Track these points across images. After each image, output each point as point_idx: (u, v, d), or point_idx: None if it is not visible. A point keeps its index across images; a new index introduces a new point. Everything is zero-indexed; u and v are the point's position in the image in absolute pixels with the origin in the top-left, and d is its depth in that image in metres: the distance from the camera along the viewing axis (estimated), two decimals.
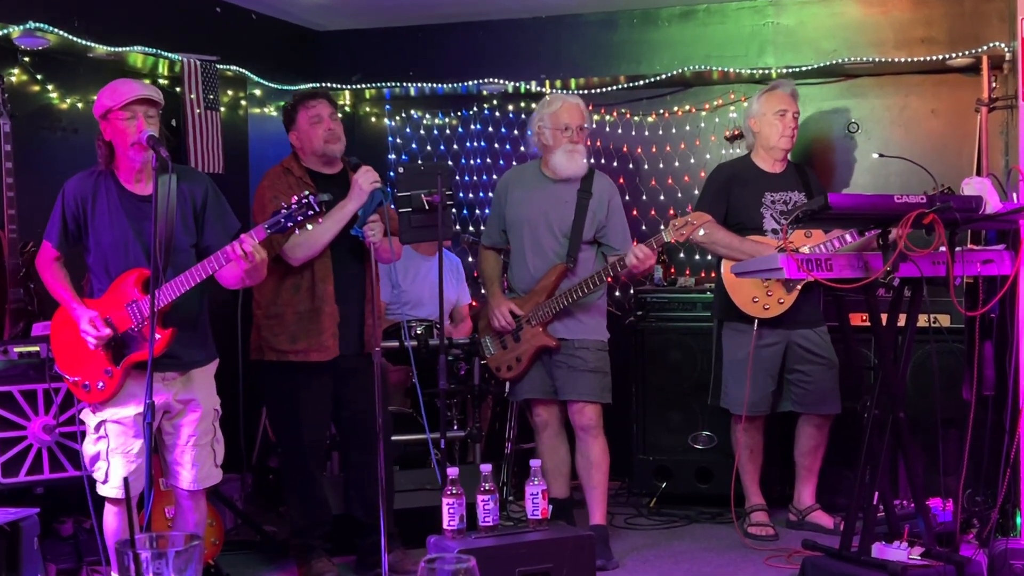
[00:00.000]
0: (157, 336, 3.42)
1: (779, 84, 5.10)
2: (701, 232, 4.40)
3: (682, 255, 6.06)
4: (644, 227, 6.01)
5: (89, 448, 3.70)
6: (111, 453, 3.64)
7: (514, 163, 6.18)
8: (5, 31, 4.48)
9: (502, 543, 3.58)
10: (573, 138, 4.63)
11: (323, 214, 3.63)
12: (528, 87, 6.03)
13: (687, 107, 6.07)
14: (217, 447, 3.81)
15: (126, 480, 3.20)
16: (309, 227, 3.64)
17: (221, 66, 5.40)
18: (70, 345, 3.69)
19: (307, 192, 3.58)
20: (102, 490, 3.68)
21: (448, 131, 6.50)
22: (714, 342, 5.11)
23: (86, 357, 3.65)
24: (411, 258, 5.52)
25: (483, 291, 4.96)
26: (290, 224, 3.56)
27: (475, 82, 6.14)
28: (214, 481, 3.82)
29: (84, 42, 4.76)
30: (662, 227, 4.44)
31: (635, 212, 6.08)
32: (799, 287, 4.81)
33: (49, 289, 3.79)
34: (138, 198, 3.67)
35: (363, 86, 6.29)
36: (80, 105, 4.96)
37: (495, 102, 6.38)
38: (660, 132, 6.12)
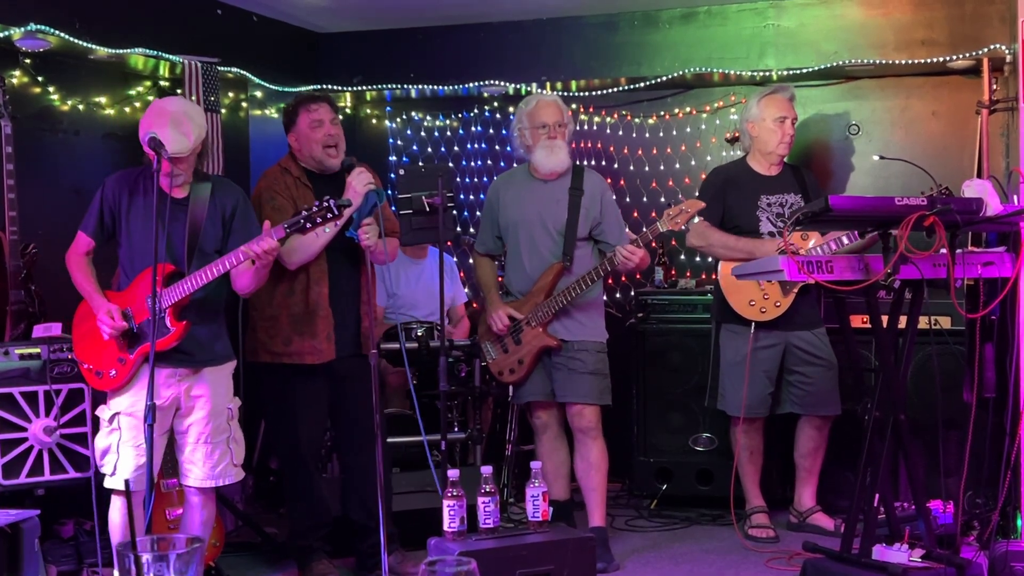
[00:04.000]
0: (172, 329, 3.62)
1: (778, 88, 5.08)
2: (696, 219, 4.41)
3: (683, 257, 6.06)
4: (644, 229, 5.97)
5: (101, 441, 3.76)
6: (122, 445, 3.70)
7: (515, 165, 6.18)
8: (6, 33, 4.48)
9: (503, 545, 3.59)
10: (551, 134, 4.64)
11: (341, 217, 3.70)
12: (529, 89, 6.01)
13: (688, 109, 6.07)
14: (234, 446, 3.86)
15: (127, 482, 3.22)
16: (327, 229, 3.78)
17: (222, 68, 5.40)
18: (89, 334, 3.81)
19: (327, 197, 3.65)
20: (109, 483, 3.72)
21: (449, 133, 6.51)
22: (712, 344, 5.12)
23: (102, 346, 3.76)
24: (401, 263, 5.51)
25: (481, 294, 4.96)
26: (309, 225, 3.65)
27: (476, 84, 6.14)
28: (232, 479, 3.88)
29: (85, 44, 4.77)
30: (657, 220, 4.46)
31: (635, 214, 6.08)
32: (795, 290, 4.81)
33: (74, 281, 3.86)
34: (172, 200, 3.78)
35: (364, 88, 6.30)
36: (81, 107, 4.96)
37: (496, 104, 6.38)
38: (661, 134, 6.12)
